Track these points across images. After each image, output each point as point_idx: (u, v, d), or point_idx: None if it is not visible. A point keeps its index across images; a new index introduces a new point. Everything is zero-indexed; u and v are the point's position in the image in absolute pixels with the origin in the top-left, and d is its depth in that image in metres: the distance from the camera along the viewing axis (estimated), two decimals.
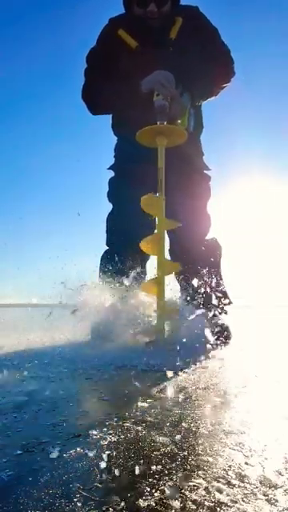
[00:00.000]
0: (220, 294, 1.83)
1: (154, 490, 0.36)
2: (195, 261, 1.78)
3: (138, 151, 1.64)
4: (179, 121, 1.67)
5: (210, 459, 0.43)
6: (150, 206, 1.59)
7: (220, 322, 1.68)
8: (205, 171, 1.88)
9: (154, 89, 1.58)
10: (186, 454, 0.45)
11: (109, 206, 1.93)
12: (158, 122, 1.56)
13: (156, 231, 1.62)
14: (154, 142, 1.60)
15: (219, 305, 1.81)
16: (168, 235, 1.83)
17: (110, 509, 0.33)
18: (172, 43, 1.69)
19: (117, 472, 0.40)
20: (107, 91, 1.75)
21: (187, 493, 0.36)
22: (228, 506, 0.33)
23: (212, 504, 0.34)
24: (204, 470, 0.40)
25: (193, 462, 0.42)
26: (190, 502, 0.34)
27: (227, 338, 1.59)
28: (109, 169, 1.95)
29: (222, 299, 1.82)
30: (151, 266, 1.80)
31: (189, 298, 1.76)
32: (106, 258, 1.91)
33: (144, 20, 1.69)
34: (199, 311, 1.74)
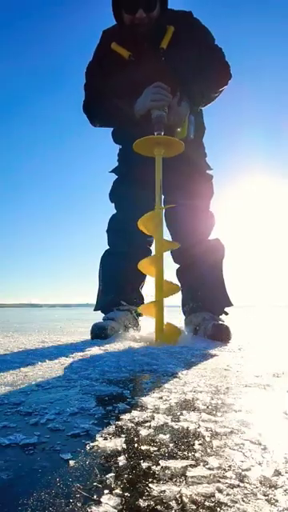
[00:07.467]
0: (220, 295, 1.83)
1: (153, 490, 0.36)
2: (196, 261, 1.78)
3: (141, 155, 1.64)
4: (178, 129, 1.65)
5: (210, 459, 0.43)
6: (147, 227, 1.57)
7: (220, 322, 1.68)
8: (207, 171, 1.89)
9: (149, 108, 1.57)
10: (186, 453, 0.45)
11: (110, 206, 1.94)
12: (156, 133, 1.55)
13: (154, 253, 1.59)
14: (152, 152, 1.59)
15: (219, 306, 1.81)
16: (170, 235, 1.84)
17: (110, 509, 0.33)
18: (164, 53, 1.67)
19: (117, 472, 0.40)
20: (104, 110, 1.76)
21: (187, 493, 0.36)
22: (228, 506, 0.33)
23: (212, 504, 0.34)
24: (204, 469, 0.40)
25: (193, 462, 0.42)
26: (189, 502, 0.34)
27: (227, 338, 1.59)
28: (111, 172, 1.95)
29: (223, 300, 1.82)
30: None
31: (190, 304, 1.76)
32: (108, 258, 1.92)
33: (133, 28, 1.66)
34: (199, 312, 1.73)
